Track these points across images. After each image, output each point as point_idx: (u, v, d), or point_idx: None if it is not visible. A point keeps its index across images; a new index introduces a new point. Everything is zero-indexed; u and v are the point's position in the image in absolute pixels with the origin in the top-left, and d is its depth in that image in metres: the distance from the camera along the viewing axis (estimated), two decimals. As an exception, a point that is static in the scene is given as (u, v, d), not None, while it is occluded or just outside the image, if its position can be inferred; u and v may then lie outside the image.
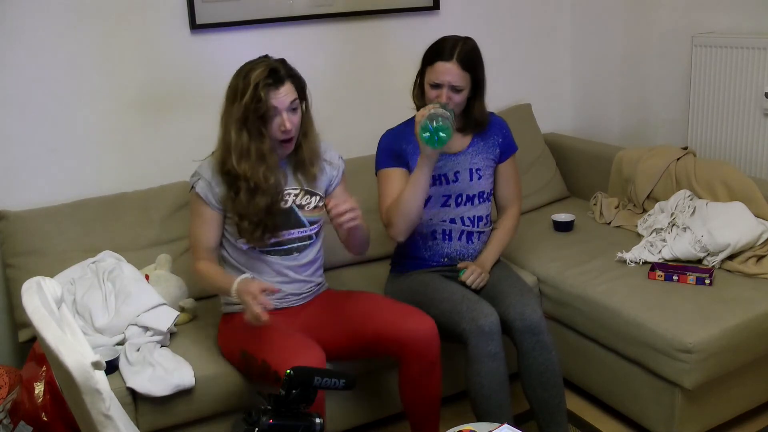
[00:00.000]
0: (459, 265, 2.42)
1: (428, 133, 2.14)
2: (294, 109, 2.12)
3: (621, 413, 2.52)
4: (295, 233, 2.23)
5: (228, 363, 2.21)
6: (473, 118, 2.42)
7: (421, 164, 2.24)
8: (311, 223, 2.26)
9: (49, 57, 2.57)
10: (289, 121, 2.08)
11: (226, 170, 2.12)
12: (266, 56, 2.13)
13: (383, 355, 2.20)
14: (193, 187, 2.17)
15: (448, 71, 2.27)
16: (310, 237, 2.27)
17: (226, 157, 2.11)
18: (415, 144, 2.36)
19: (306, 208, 2.24)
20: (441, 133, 2.12)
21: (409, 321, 2.14)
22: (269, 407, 1.55)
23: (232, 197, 2.12)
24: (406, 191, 2.28)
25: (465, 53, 2.29)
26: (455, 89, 2.29)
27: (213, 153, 2.19)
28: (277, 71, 2.07)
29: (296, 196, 2.23)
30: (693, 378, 2.21)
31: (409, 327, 2.12)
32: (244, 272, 2.21)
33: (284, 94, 2.07)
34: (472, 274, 2.38)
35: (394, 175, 2.39)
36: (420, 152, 2.23)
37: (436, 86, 2.30)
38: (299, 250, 2.25)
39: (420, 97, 2.40)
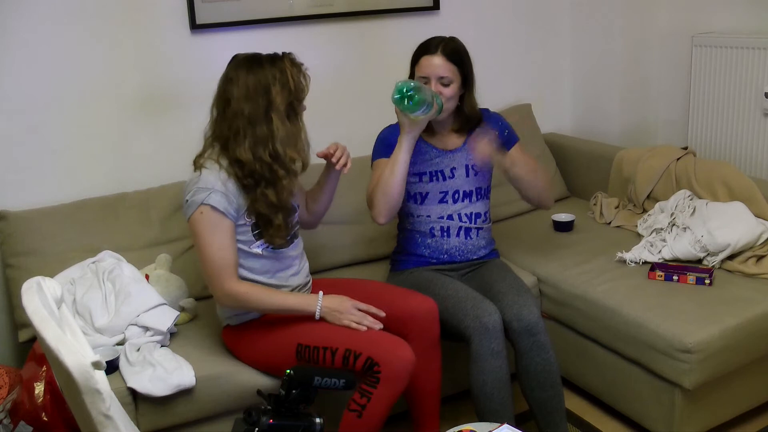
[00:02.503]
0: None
1: (399, 95, 2.18)
2: None
3: (621, 413, 2.52)
4: (295, 218, 2.25)
5: (230, 363, 2.20)
6: (465, 114, 2.43)
7: (400, 142, 2.30)
8: (298, 207, 2.29)
9: (49, 57, 2.57)
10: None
11: (250, 170, 2.05)
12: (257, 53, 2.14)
13: None
14: (203, 203, 2.03)
15: (434, 64, 2.31)
16: (297, 222, 2.29)
17: (259, 151, 2.05)
18: None
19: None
20: (415, 96, 2.16)
21: (411, 300, 2.21)
22: (269, 407, 1.55)
23: (261, 194, 2.07)
24: (386, 169, 2.31)
25: (450, 47, 2.34)
26: (443, 82, 2.31)
27: (204, 167, 2.08)
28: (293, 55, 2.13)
29: None
30: (693, 378, 2.21)
31: (411, 305, 2.19)
32: (259, 281, 2.17)
33: None
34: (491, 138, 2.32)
35: (384, 163, 2.40)
36: (399, 131, 2.29)
37: (424, 81, 2.32)
38: (296, 236, 2.26)
39: None
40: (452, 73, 2.32)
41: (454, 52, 2.34)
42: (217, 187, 2.04)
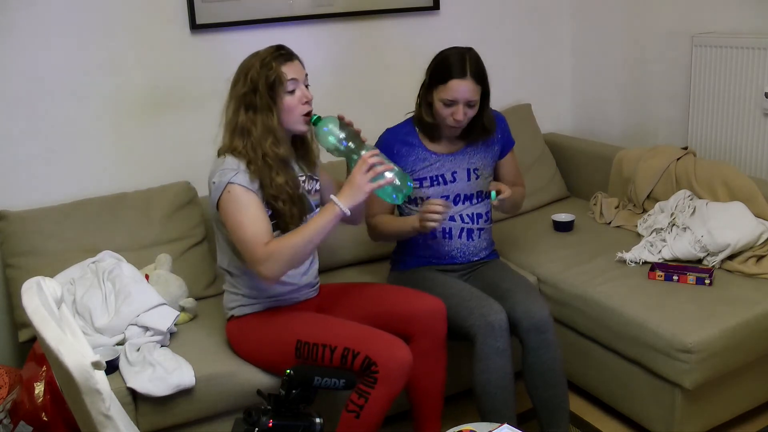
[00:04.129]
0: (490, 187, 2.38)
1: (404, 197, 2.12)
2: (307, 86, 2.14)
3: (621, 413, 2.52)
4: (311, 218, 2.23)
5: (230, 363, 2.20)
6: (481, 126, 2.41)
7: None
8: (316, 206, 2.27)
9: (49, 57, 2.57)
10: (308, 93, 2.12)
11: (247, 163, 2.08)
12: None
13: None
14: (230, 182, 2.04)
15: (465, 89, 2.27)
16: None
17: (240, 144, 2.08)
18: (409, 146, 2.41)
19: (311, 192, 2.25)
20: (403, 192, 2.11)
21: (418, 299, 2.22)
22: (269, 407, 1.55)
23: (268, 182, 2.08)
24: (392, 227, 2.41)
25: (475, 66, 2.29)
26: (470, 104, 2.30)
27: (228, 153, 2.11)
28: (283, 47, 2.10)
29: (303, 182, 2.23)
30: (693, 378, 2.21)
31: (418, 304, 2.20)
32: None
33: (298, 67, 2.10)
34: (505, 192, 2.34)
35: None
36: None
37: (451, 103, 2.30)
38: None
39: (428, 113, 2.38)
40: (479, 94, 2.31)
41: (480, 71, 2.29)
42: (242, 168, 2.06)
